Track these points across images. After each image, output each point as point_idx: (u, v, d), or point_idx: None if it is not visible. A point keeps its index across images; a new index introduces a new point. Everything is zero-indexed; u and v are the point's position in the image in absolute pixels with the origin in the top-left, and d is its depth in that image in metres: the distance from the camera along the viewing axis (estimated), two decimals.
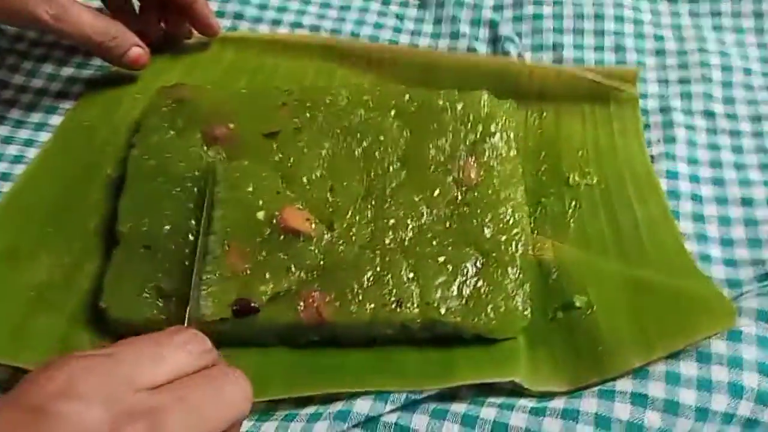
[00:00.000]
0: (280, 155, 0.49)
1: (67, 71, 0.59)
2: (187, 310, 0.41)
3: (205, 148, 0.49)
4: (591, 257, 0.46)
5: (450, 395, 0.41)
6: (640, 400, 0.39)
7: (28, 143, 0.54)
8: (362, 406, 0.39)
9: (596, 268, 0.45)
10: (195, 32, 0.60)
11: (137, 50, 0.55)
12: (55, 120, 0.55)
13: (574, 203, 0.49)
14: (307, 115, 0.51)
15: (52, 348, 0.43)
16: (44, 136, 0.54)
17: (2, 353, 0.42)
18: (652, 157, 0.52)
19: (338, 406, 0.40)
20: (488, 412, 0.39)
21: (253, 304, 0.42)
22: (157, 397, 0.29)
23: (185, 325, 0.41)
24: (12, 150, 0.53)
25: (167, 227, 0.45)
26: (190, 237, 0.45)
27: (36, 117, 0.56)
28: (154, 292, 0.43)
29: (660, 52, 0.60)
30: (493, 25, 0.61)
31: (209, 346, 0.34)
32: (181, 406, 0.29)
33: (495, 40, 0.60)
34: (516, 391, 0.41)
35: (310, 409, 0.40)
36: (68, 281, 0.46)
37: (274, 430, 0.39)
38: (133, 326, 0.42)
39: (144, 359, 0.30)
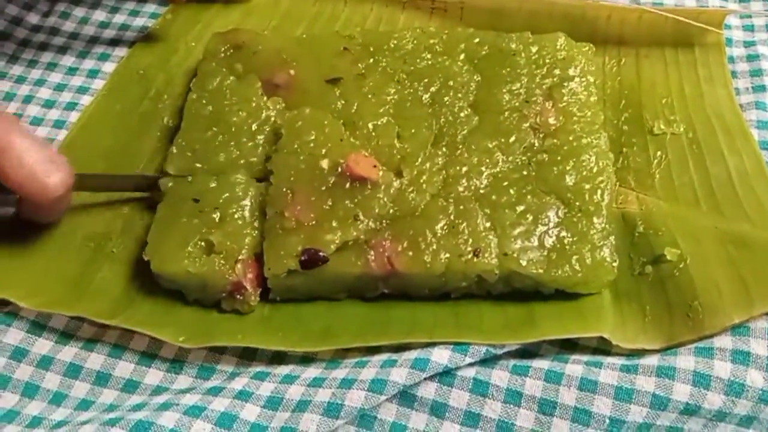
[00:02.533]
0: (343, 102, 0.46)
1: (120, 18, 0.57)
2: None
3: (265, 98, 0.47)
4: (680, 210, 0.43)
5: (530, 352, 0.39)
6: (741, 357, 0.36)
7: (82, 90, 0.52)
8: (441, 356, 0.37)
9: (687, 221, 0.42)
10: None
11: None
12: (109, 67, 0.54)
13: (659, 153, 0.45)
14: (371, 60, 0.48)
15: (111, 298, 0.42)
16: (98, 83, 0.53)
17: (61, 304, 0.41)
18: (740, 106, 0.48)
19: (413, 354, 0.37)
20: (574, 368, 0.37)
21: (321, 254, 0.39)
22: None
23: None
24: (65, 97, 0.52)
25: (215, 182, 0.43)
26: (244, 191, 0.42)
27: (89, 64, 0.54)
28: (201, 246, 0.41)
29: None
30: None
31: None
32: None
33: None
34: (601, 348, 0.39)
35: (383, 356, 0.38)
36: (126, 232, 0.45)
37: (345, 376, 0.37)
38: (176, 281, 0.41)
39: None
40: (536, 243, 0.40)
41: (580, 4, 0.52)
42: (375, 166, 0.42)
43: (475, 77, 0.47)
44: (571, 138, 0.43)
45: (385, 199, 0.41)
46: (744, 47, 0.52)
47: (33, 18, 0.57)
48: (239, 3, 0.57)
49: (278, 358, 0.39)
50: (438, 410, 0.36)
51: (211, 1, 0.57)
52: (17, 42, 0.55)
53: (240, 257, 0.40)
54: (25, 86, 0.52)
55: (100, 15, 0.57)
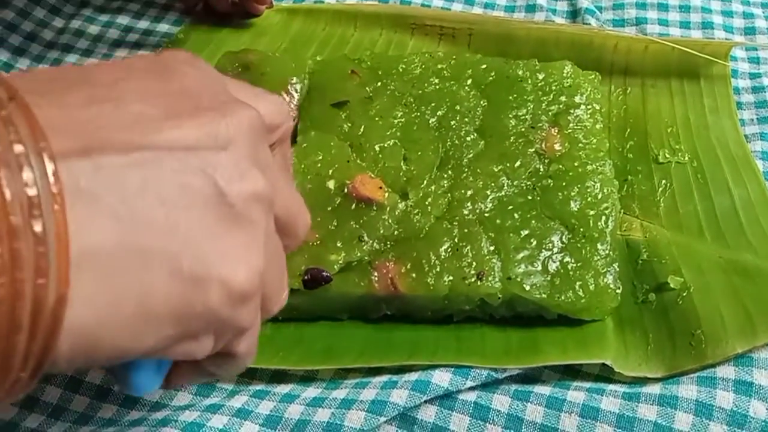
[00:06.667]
0: (350, 124, 0.46)
1: (133, 37, 0.58)
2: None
3: None
4: (684, 238, 0.43)
5: (532, 378, 0.38)
6: (744, 388, 0.36)
7: None
8: (442, 378, 0.37)
9: (691, 249, 0.42)
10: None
11: None
12: None
13: (664, 182, 0.46)
14: (379, 83, 0.49)
15: None
16: None
17: None
18: (745, 137, 0.49)
19: (414, 376, 0.37)
20: (576, 395, 0.36)
21: (324, 274, 0.40)
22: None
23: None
24: None
25: None
26: None
27: None
28: None
29: (750, 30, 0.56)
30: None
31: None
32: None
33: (574, 14, 0.57)
34: (602, 376, 0.38)
35: (383, 378, 0.38)
36: None
37: (345, 396, 0.37)
38: None
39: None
40: (540, 268, 0.40)
41: (587, 33, 0.53)
42: (381, 188, 0.43)
43: (481, 102, 0.47)
44: (576, 164, 0.44)
45: (390, 221, 0.41)
46: (749, 79, 0.53)
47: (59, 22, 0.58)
48: (253, 18, 0.58)
49: (278, 377, 0.39)
50: None
51: (225, 20, 0.58)
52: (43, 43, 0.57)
53: None
54: None
55: (113, 33, 0.58)
